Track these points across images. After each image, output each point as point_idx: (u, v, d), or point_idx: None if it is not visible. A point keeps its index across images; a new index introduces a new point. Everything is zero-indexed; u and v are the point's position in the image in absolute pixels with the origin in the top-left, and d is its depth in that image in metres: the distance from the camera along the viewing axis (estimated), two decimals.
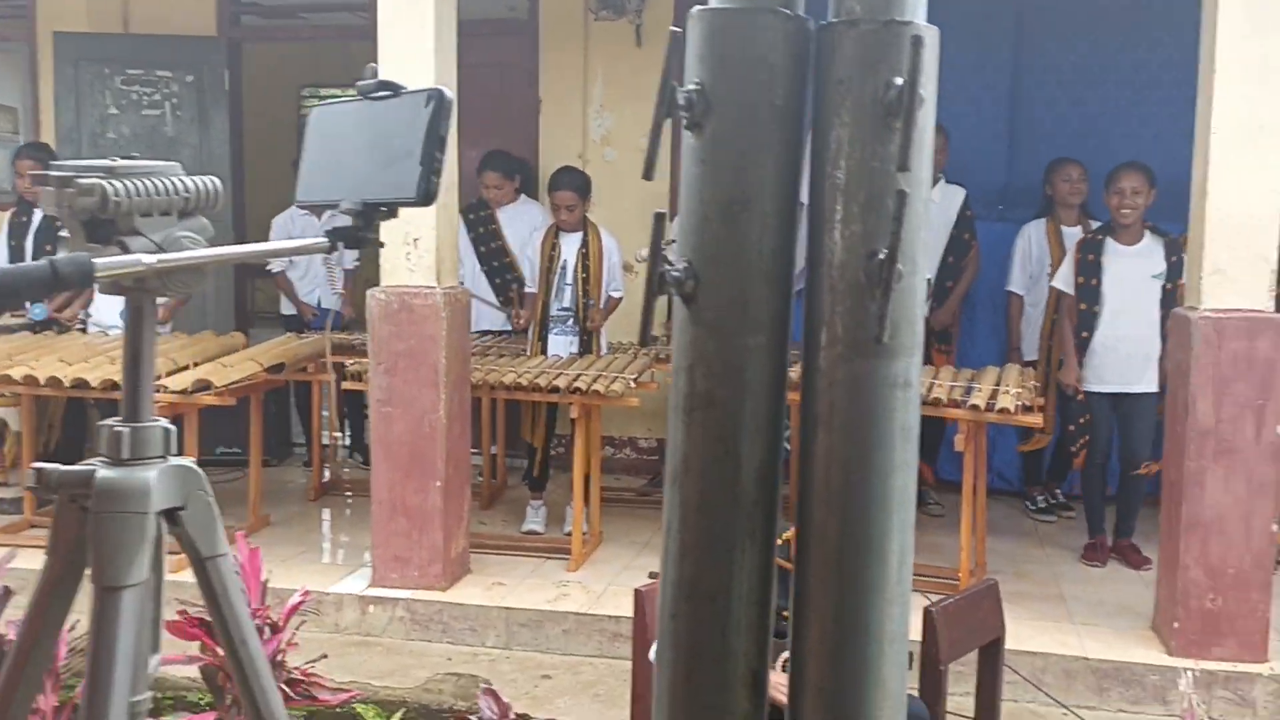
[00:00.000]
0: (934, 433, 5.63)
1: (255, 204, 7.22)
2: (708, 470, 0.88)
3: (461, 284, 4.91)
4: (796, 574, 0.89)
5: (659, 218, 0.86)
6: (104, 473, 1.20)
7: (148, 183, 1.15)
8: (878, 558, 0.85)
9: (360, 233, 1.19)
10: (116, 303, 4.92)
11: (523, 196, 5.84)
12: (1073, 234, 5.27)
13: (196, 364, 4.91)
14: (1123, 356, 4.85)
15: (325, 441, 6.09)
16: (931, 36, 0.87)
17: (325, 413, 6.02)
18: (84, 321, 5.73)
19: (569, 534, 4.95)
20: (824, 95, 0.86)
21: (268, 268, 6.50)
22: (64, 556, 1.25)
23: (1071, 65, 5.84)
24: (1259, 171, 3.78)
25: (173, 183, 1.18)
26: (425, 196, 1.12)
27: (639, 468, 6.44)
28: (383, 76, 1.19)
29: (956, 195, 5.54)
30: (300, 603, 3.09)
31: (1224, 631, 3.86)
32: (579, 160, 6.16)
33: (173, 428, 1.26)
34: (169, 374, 4.68)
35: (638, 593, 2.97)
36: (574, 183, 5.16)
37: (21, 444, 5.36)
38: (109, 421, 1.24)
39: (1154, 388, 4.80)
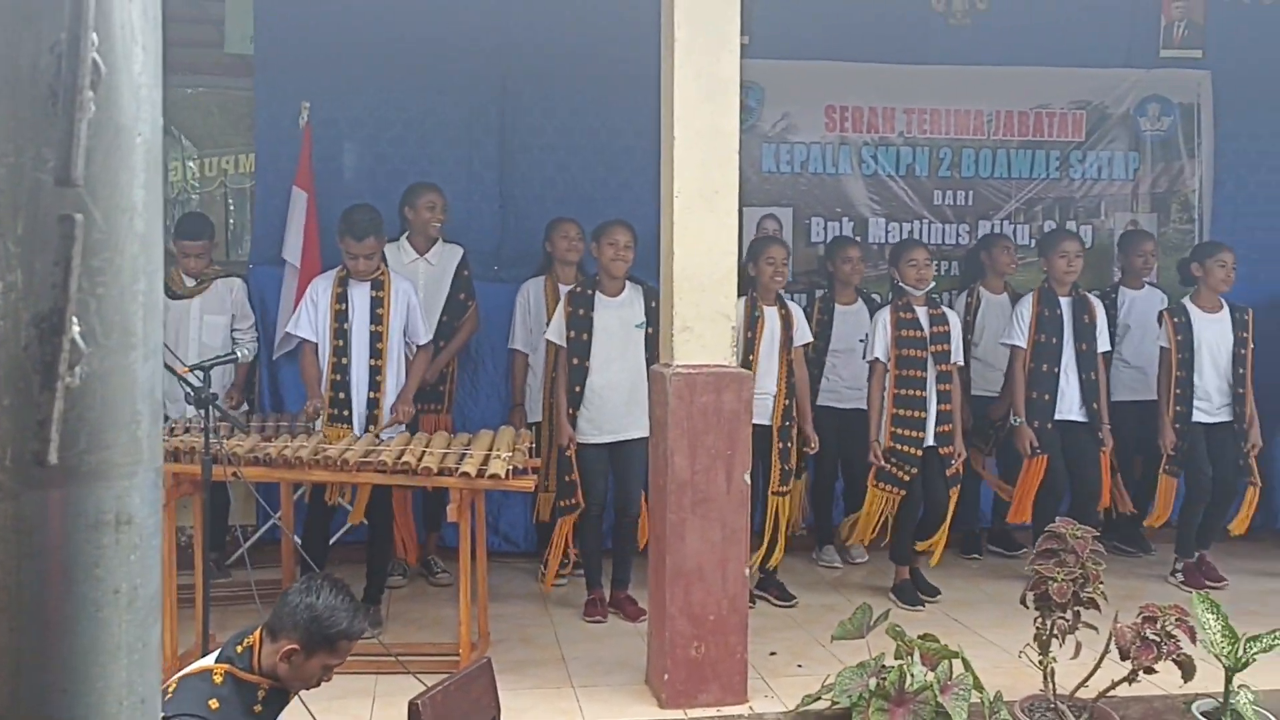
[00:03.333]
0: (436, 502, 5.40)
1: None
2: None
3: None
4: None
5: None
6: None
7: None
8: None
9: None
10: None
11: None
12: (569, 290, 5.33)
13: None
14: (615, 405, 4.94)
15: None
16: None
17: None
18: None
19: None
20: None
21: None
22: None
23: (554, 129, 5.99)
24: (716, 233, 3.98)
25: None
26: None
27: None
28: None
29: (454, 254, 5.44)
30: None
31: (708, 677, 3.96)
32: None
33: None
34: None
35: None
36: None
37: None
38: None
39: (645, 433, 4.91)
